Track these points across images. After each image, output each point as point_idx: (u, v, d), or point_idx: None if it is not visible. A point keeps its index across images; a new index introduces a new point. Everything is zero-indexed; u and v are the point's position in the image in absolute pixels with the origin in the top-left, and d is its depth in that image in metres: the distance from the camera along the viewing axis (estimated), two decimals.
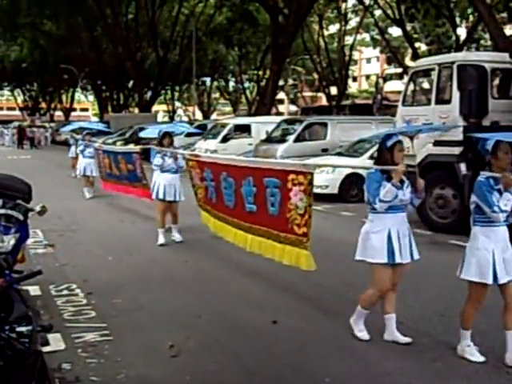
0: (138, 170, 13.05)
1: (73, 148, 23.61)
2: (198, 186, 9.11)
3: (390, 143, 6.34)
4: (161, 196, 11.31)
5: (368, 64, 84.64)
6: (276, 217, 6.81)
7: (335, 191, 17.04)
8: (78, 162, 18.91)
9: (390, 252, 6.13)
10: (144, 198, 13.16)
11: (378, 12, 44.27)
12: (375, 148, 17.64)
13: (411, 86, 14.70)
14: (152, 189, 11.56)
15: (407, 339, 6.25)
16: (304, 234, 6.36)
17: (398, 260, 6.16)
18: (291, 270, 7.88)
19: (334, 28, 56.86)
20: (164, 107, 76.93)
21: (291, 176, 6.42)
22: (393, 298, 6.44)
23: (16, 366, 2.99)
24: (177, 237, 11.59)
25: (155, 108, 65.10)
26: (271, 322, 6.94)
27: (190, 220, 11.52)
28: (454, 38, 38.55)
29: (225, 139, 25.43)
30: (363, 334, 6.42)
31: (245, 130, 26.32)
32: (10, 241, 5.91)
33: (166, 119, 66.63)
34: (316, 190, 16.42)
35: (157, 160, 11.37)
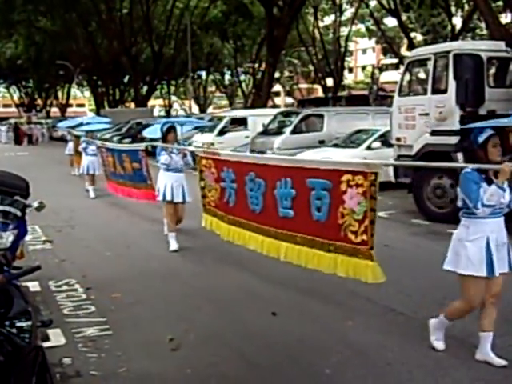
0: (144, 169, 12.27)
1: (70, 144, 23.08)
2: (211, 187, 8.32)
3: (482, 139, 5.61)
4: (169, 198, 10.29)
5: (364, 55, 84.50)
6: (323, 223, 6.14)
7: None
8: (82, 160, 18.23)
9: (489, 264, 5.37)
10: (146, 200, 12.60)
11: (373, 2, 44.32)
12: (372, 139, 17.74)
13: (407, 76, 14.69)
14: (158, 189, 10.61)
15: (503, 362, 5.52)
16: (363, 242, 5.69)
17: (497, 273, 5.40)
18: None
19: (329, 19, 56.83)
20: (160, 102, 76.82)
21: (346, 176, 5.77)
22: (493, 314, 5.62)
23: (16, 362, 3.00)
24: (172, 245, 10.44)
25: (151, 103, 65.09)
26: (271, 314, 6.95)
27: (188, 215, 11.49)
28: (449, 27, 38.56)
29: (221, 132, 25.39)
30: (439, 344, 5.87)
31: (241, 122, 26.29)
32: (8, 237, 5.92)
33: (163, 113, 66.57)
34: None
35: (164, 158, 10.33)
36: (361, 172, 5.67)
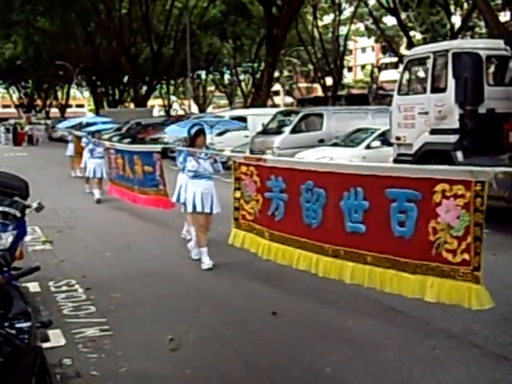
0: (157, 173, 11.52)
1: (71, 146, 22.36)
2: (251, 198, 7.51)
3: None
4: (200, 208, 9.16)
5: (363, 54, 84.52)
6: (408, 240, 5.39)
7: None
8: (83, 162, 17.45)
9: None
10: (155, 207, 11.98)
11: (372, 1, 44.37)
12: (371, 138, 17.74)
13: (406, 75, 14.71)
14: (185, 199, 9.50)
15: None
16: (464, 261, 5.00)
17: None
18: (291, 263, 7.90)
19: (328, 18, 56.82)
20: (159, 101, 76.83)
21: (441, 186, 5.07)
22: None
23: (16, 363, 3.00)
24: (205, 263, 9.20)
25: (151, 103, 65.17)
26: (271, 314, 6.95)
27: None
28: (448, 26, 38.58)
29: (221, 132, 25.35)
30: None
31: (241, 122, 26.25)
32: (7, 238, 5.91)
33: (162, 113, 66.58)
34: None
35: (191, 164, 9.18)
36: (461, 181, 4.97)
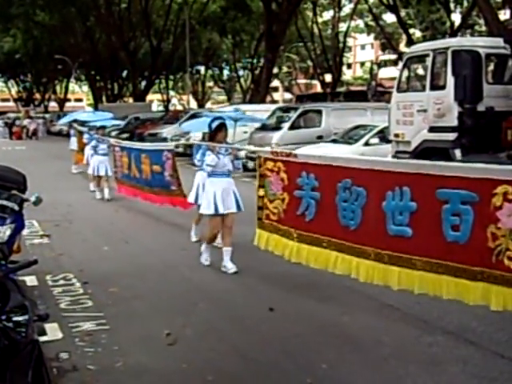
0: (167, 173, 10.81)
1: (73, 139, 22.06)
2: (276, 196, 6.99)
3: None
4: (221, 210, 8.48)
5: (362, 50, 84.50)
6: (463, 245, 4.97)
7: None
8: (91, 161, 16.16)
9: None
10: (171, 205, 11.37)
11: None
12: (370, 135, 17.75)
13: (406, 73, 14.74)
14: (205, 199, 8.75)
15: None
16: None
17: None
18: (287, 260, 7.91)
19: (327, 15, 56.79)
20: (158, 96, 76.69)
21: (503, 187, 4.62)
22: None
23: (13, 355, 3.01)
24: (230, 267, 8.51)
25: (149, 97, 65.02)
26: (268, 310, 6.96)
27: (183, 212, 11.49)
28: (448, 23, 38.58)
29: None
30: None
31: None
32: (5, 231, 5.93)
33: (161, 108, 66.54)
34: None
35: (210, 158, 8.48)
36: None
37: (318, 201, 6.38)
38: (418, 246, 5.33)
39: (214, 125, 8.87)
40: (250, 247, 7.73)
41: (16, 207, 6.07)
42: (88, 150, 17.20)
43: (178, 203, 10.91)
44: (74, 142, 21.78)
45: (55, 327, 6.33)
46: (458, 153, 12.74)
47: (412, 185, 5.31)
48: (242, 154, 8.76)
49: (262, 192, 7.25)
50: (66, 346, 5.90)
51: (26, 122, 53.84)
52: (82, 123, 21.14)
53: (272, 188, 7.03)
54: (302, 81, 72.47)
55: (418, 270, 5.32)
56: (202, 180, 9.62)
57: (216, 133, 8.77)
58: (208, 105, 74.47)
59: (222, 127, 8.81)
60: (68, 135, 30.44)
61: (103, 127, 17.42)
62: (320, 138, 20.09)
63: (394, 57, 47.49)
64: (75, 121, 22.81)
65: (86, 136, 18.23)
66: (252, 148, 8.93)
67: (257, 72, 50.54)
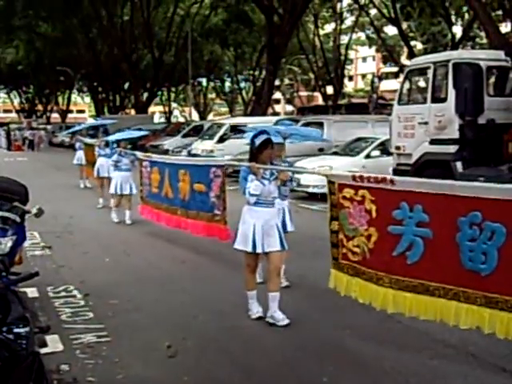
0: (213, 194, 8.96)
1: (79, 153, 20.48)
2: (357, 232, 5.89)
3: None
4: (259, 249, 6.89)
5: (364, 63, 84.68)
6: None
7: None
8: (112, 177, 14.16)
9: None
10: (209, 236, 9.57)
11: (373, 11, 44.36)
12: (371, 147, 17.77)
13: (407, 85, 14.78)
14: (242, 235, 6.99)
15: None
16: None
17: None
18: (289, 271, 7.92)
19: (329, 27, 56.90)
20: (160, 108, 76.83)
21: None
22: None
23: (13, 367, 3.01)
24: (279, 318, 6.91)
25: (151, 109, 65.09)
26: (268, 321, 6.94)
27: None
28: (449, 36, 38.63)
29: (221, 139, 25.42)
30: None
31: (241, 130, 26.27)
32: (7, 243, 5.90)
33: (163, 120, 66.62)
34: (313, 190, 16.50)
35: (254, 185, 6.81)
36: None
37: (427, 239, 5.30)
38: None
39: (259, 141, 7.03)
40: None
41: (17, 219, 6.04)
42: (100, 163, 16.18)
43: (217, 233, 9.05)
44: (79, 156, 20.36)
45: (56, 339, 6.32)
46: (459, 165, 12.75)
47: None
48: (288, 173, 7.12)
49: (335, 226, 6.17)
50: (66, 358, 5.89)
51: (27, 133, 53.93)
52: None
53: (351, 222, 5.92)
54: (303, 93, 72.58)
55: None
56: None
57: (260, 151, 7.00)
58: (210, 117, 74.58)
59: (268, 144, 7.03)
60: (71, 147, 30.13)
61: (124, 140, 14.74)
62: (321, 151, 20.11)
63: (395, 69, 47.55)
64: (78, 131, 22.00)
65: (97, 149, 16.74)
66: (321, 171, 7.04)
67: (258, 84, 50.54)
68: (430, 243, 5.27)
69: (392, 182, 5.56)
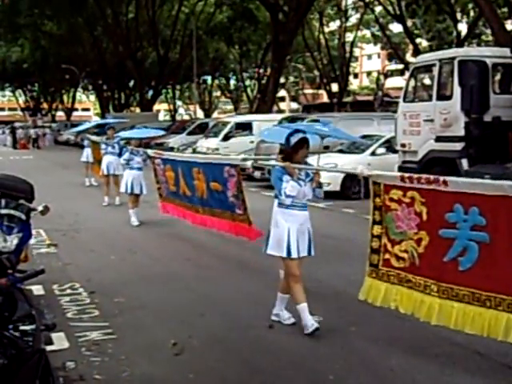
0: (230, 193, 8.57)
1: (87, 151, 20.39)
2: (405, 236, 5.62)
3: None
4: (294, 254, 6.51)
5: (369, 60, 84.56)
6: None
7: (337, 188, 16.98)
8: (125, 176, 13.61)
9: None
10: (238, 235, 8.87)
11: (378, 8, 44.36)
12: (377, 145, 17.74)
13: (412, 82, 14.75)
14: (280, 240, 6.55)
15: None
16: None
17: None
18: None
19: (334, 25, 56.85)
20: (165, 106, 76.94)
21: None
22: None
23: (20, 365, 3.01)
24: (310, 324, 6.48)
25: (156, 107, 65.15)
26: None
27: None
28: (455, 33, 38.58)
29: (226, 137, 25.43)
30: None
31: (246, 128, 26.32)
32: (13, 240, 5.93)
33: (168, 118, 66.67)
34: None
35: (290, 187, 6.44)
36: None
37: (483, 244, 4.97)
38: None
39: (294, 140, 6.64)
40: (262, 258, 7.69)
41: (23, 216, 6.08)
42: (107, 160, 16.11)
43: (243, 232, 8.56)
44: (87, 154, 20.28)
45: (62, 336, 6.33)
46: (464, 163, 12.73)
47: None
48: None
49: (377, 230, 5.89)
50: (72, 356, 5.89)
51: (32, 131, 54.04)
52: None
53: (399, 225, 5.63)
54: (308, 91, 72.59)
55: None
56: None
57: (296, 150, 6.61)
58: (215, 114, 74.60)
59: (304, 143, 6.66)
60: (76, 145, 30.18)
61: (139, 138, 14.33)
62: (327, 148, 20.04)
63: (400, 67, 47.55)
64: (87, 130, 21.83)
65: (103, 146, 16.73)
66: (356, 172, 6.40)
67: (263, 82, 50.52)
68: (486, 248, 4.96)
69: (445, 182, 5.26)
